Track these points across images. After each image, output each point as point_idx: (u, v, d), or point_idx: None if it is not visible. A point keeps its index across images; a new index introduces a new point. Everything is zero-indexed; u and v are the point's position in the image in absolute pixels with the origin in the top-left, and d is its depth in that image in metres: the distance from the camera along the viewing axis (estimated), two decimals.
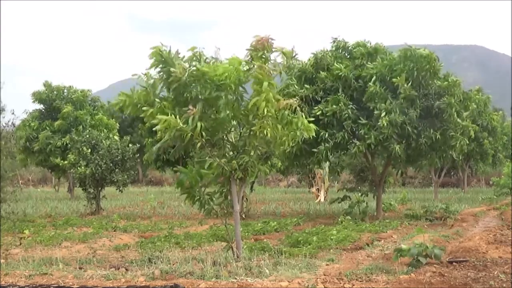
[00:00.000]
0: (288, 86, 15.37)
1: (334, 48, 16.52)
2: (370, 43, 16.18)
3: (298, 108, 8.17)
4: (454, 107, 14.57)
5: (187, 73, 7.56)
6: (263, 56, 7.88)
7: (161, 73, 7.79)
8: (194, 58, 7.90)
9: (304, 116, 8.37)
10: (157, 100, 7.82)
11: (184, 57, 7.94)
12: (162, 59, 7.69)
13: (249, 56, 8.01)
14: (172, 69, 7.54)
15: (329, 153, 14.92)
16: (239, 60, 7.77)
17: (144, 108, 7.76)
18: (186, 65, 7.73)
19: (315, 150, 14.76)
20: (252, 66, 7.91)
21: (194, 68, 7.69)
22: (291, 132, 8.23)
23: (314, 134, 8.71)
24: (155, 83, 7.87)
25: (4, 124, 15.33)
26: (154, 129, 7.67)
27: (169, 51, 7.76)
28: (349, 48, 16.24)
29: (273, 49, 7.93)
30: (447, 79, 14.89)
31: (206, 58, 8.00)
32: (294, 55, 8.02)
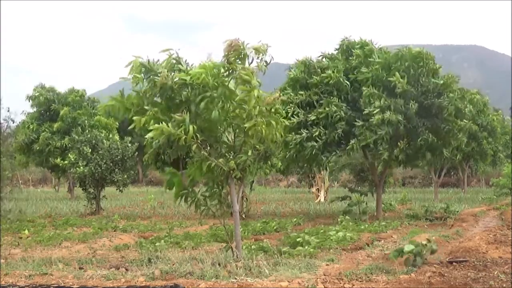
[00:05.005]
0: (282, 90, 15.57)
1: (338, 48, 16.55)
2: (372, 42, 16.22)
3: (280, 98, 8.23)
4: (454, 104, 14.60)
5: (170, 80, 7.46)
6: (240, 56, 7.85)
7: (150, 82, 7.68)
8: (174, 62, 7.79)
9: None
10: (146, 108, 7.68)
11: (163, 62, 7.75)
12: (144, 69, 7.60)
13: (226, 61, 7.97)
14: (155, 78, 7.48)
15: (316, 152, 14.95)
16: (212, 65, 7.63)
17: (135, 118, 7.68)
18: (165, 71, 7.64)
19: (305, 145, 14.87)
20: (231, 70, 7.89)
21: (175, 73, 7.61)
22: (280, 124, 8.26)
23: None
24: (146, 90, 7.75)
25: (3, 120, 15.36)
26: (147, 136, 7.55)
27: (148, 60, 7.61)
28: (355, 47, 16.25)
29: (247, 48, 7.90)
30: (444, 76, 14.99)
31: (186, 61, 7.86)
32: (266, 49, 7.98)
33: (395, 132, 14.30)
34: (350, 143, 14.54)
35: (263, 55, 7.94)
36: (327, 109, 14.76)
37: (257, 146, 8.33)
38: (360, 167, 23.56)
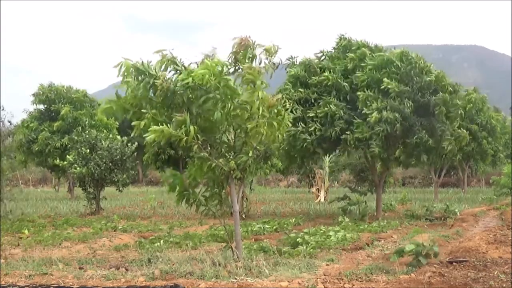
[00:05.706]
0: (283, 90, 15.64)
1: (335, 47, 16.61)
2: (368, 43, 16.32)
3: (287, 102, 8.23)
4: (447, 104, 14.61)
5: (171, 83, 7.39)
6: (250, 55, 7.83)
7: (146, 85, 7.58)
8: (169, 62, 7.73)
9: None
10: (144, 110, 7.65)
11: (156, 64, 7.64)
12: (137, 71, 7.52)
13: (233, 58, 7.94)
14: (156, 81, 7.41)
15: (308, 145, 15.00)
16: (215, 62, 7.53)
17: (135, 123, 7.64)
18: (165, 74, 7.55)
19: (297, 136, 14.96)
20: (237, 68, 7.86)
21: (175, 77, 7.55)
22: (282, 126, 8.24)
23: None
24: (143, 94, 7.66)
25: (3, 121, 15.39)
26: (147, 139, 7.46)
27: (142, 62, 7.52)
28: (352, 48, 16.33)
29: (256, 46, 7.88)
30: (435, 73, 14.99)
31: (181, 60, 7.78)
32: (276, 50, 7.97)
33: (392, 130, 14.29)
34: (345, 134, 14.63)
35: (272, 56, 7.95)
36: (326, 108, 14.85)
37: (258, 147, 8.33)
38: (360, 167, 23.57)
